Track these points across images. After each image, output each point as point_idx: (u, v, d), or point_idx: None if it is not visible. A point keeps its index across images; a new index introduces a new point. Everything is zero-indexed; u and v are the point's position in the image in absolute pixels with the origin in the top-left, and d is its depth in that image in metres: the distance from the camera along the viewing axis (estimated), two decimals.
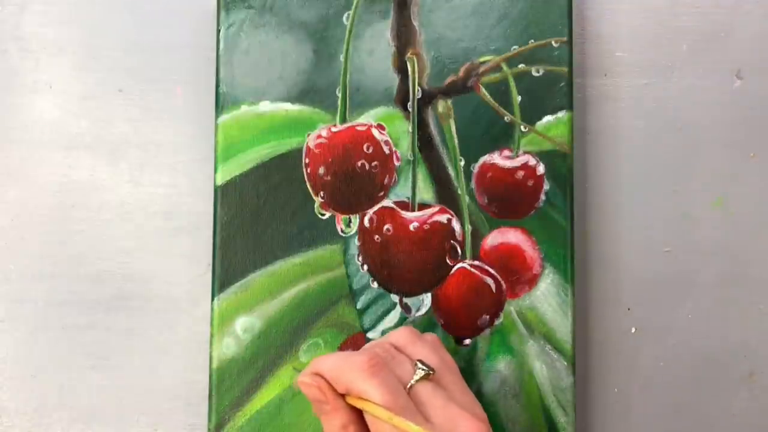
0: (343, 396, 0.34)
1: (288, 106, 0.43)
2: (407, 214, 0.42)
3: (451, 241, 0.42)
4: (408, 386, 0.33)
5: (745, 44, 0.46)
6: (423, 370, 0.34)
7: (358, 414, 0.34)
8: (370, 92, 0.43)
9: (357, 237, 0.42)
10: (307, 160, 0.43)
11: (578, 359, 0.44)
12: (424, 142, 0.43)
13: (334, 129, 0.43)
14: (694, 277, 0.46)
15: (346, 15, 0.43)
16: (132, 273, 0.45)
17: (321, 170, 0.42)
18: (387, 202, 0.43)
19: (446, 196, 0.43)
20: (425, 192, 0.43)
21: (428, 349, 0.36)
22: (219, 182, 0.42)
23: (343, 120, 0.43)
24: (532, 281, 0.42)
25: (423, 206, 0.43)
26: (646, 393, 0.45)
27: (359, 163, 0.42)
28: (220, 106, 0.43)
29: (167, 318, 0.45)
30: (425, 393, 0.34)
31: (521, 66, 0.43)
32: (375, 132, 0.43)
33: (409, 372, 0.34)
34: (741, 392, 0.45)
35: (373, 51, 0.43)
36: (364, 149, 0.43)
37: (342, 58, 0.43)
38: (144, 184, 0.45)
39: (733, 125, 0.46)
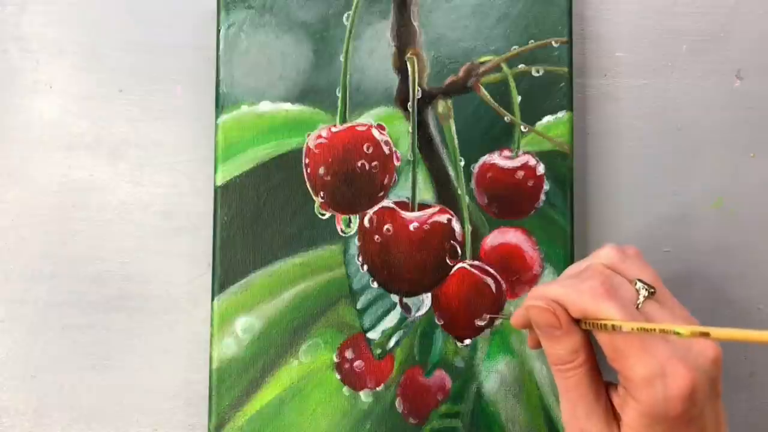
0: (576, 321, 0.34)
1: (288, 106, 0.43)
2: (407, 215, 0.42)
3: (451, 242, 0.42)
4: (637, 307, 0.33)
5: (745, 44, 0.46)
6: (646, 289, 0.34)
7: (587, 339, 0.34)
8: (370, 92, 0.43)
9: (357, 237, 0.42)
10: (307, 161, 0.43)
11: None
12: (424, 143, 0.43)
13: (334, 129, 0.43)
14: (694, 277, 0.46)
15: (346, 15, 0.43)
16: (132, 273, 0.45)
17: (321, 170, 0.42)
18: (387, 203, 0.43)
19: (446, 196, 0.43)
20: (425, 192, 0.43)
21: (638, 265, 0.35)
22: (219, 182, 0.42)
23: (343, 120, 0.43)
24: (532, 281, 0.42)
25: (423, 206, 0.43)
26: None
27: (359, 164, 0.42)
28: (220, 106, 0.43)
29: (167, 318, 0.45)
30: (653, 312, 0.33)
31: (521, 66, 0.43)
32: (375, 132, 0.43)
33: (631, 292, 0.34)
34: (741, 392, 0.45)
35: (373, 51, 0.43)
36: (364, 149, 0.43)
37: (342, 58, 0.43)
38: (144, 184, 0.45)
39: (733, 125, 0.46)
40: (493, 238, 0.43)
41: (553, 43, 0.43)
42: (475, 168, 0.43)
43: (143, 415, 0.45)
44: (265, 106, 0.43)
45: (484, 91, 0.43)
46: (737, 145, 0.46)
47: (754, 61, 0.46)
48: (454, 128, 0.43)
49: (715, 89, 0.46)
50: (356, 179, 0.43)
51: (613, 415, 0.34)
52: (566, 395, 0.34)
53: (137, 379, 0.45)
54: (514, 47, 0.43)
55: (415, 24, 0.43)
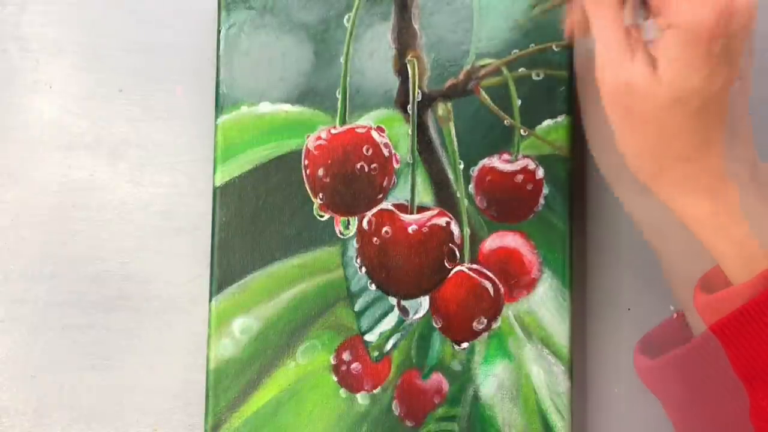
0: None
1: (288, 108, 0.43)
2: (406, 217, 0.42)
3: (450, 245, 0.42)
4: None
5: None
6: None
7: None
8: (370, 94, 0.43)
9: (355, 239, 0.42)
10: (306, 162, 0.43)
11: (576, 363, 0.44)
12: (423, 145, 0.43)
13: (333, 131, 0.43)
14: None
15: (346, 17, 0.43)
16: (132, 273, 0.45)
17: (320, 172, 0.42)
18: (386, 205, 0.43)
19: (445, 199, 0.43)
20: (424, 195, 0.43)
21: None
22: (218, 183, 0.42)
23: (343, 122, 0.43)
24: (530, 285, 0.42)
25: (422, 209, 0.43)
26: (646, 395, 0.45)
27: (358, 165, 0.42)
28: (220, 107, 0.43)
29: (167, 318, 0.45)
30: None
31: (521, 70, 0.43)
32: (374, 134, 0.43)
33: None
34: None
35: (373, 53, 0.43)
36: (364, 151, 0.43)
37: (342, 59, 0.43)
38: (144, 184, 0.46)
39: None
40: (492, 242, 0.43)
41: (553, 47, 0.42)
42: (475, 171, 0.43)
43: (143, 415, 0.45)
44: (265, 107, 0.43)
45: (484, 95, 0.43)
46: None
47: (753, 60, 0.46)
48: (453, 131, 0.43)
49: None
50: (355, 181, 0.43)
51: (648, 55, 0.34)
52: (601, 36, 0.34)
53: (137, 379, 0.45)
54: (515, 51, 0.43)
55: (416, 26, 0.43)
